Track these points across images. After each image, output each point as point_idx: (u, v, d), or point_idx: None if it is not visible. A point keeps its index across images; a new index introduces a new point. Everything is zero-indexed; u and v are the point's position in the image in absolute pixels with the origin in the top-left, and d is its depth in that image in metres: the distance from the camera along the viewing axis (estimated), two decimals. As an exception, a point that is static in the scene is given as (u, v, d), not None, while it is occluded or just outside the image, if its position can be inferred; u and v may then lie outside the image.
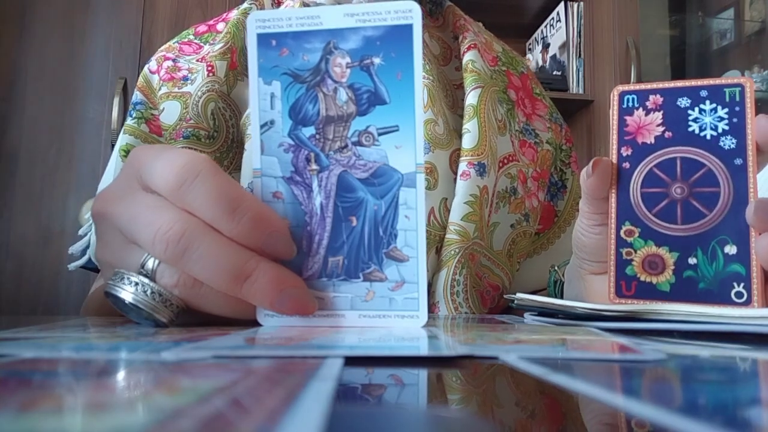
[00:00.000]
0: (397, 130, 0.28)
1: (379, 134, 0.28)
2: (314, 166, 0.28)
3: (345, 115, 0.28)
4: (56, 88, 1.43)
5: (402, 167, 0.28)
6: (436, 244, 0.50)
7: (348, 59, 0.28)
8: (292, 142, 0.28)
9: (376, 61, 0.28)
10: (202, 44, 0.57)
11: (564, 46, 1.67)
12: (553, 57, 1.73)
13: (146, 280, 0.26)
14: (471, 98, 0.53)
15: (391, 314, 0.28)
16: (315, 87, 0.28)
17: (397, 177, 0.28)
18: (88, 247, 0.55)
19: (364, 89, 0.28)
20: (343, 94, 0.28)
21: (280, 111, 0.28)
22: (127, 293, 0.26)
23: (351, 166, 0.28)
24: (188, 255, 0.25)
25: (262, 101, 0.28)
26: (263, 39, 0.28)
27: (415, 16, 0.27)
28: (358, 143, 0.28)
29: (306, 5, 0.55)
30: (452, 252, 0.49)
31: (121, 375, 0.15)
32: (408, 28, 0.27)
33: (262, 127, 0.28)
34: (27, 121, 1.41)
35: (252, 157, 0.29)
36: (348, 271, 0.28)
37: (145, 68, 0.56)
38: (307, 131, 0.28)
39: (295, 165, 0.28)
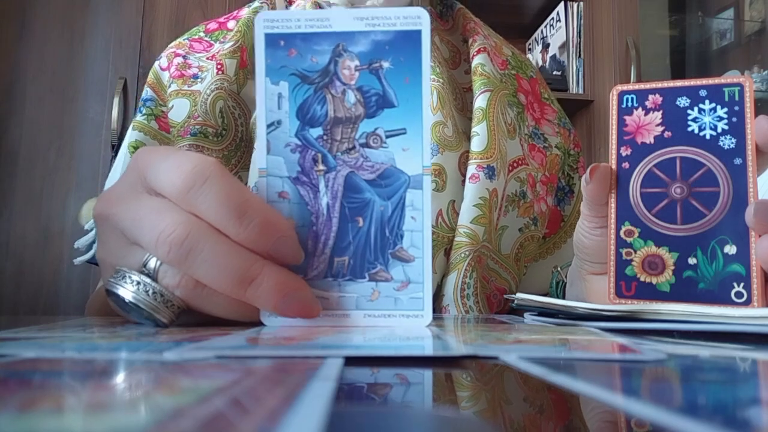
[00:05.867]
0: (404, 133, 0.28)
1: (387, 136, 0.28)
2: (321, 167, 0.28)
3: (353, 116, 0.28)
4: (56, 88, 1.43)
5: (409, 169, 0.28)
6: (444, 246, 0.49)
7: (357, 62, 0.28)
8: (299, 143, 0.28)
9: (385, 64, 0.28)
10: (212, 42, 0.57)
11: (564, 46, 1.67)
12: (553, 57, 1.73)
13: (148, 280, 0.26)
14: (480, 101, 0.53)
15: (396, 314, 0.28)
16: (323, 88, 0.28)
17: (403, 179, 0.28)
18: (94, 241, 0.55)
19: (372, 92, 0.28)
20: (351, 96, 0.28)
21: (287, 111, 0.28)
22: (127, 292, 0.26)
23: (358, 168, 0.28)
24: (192, 258, 0.25)
25: (269, 101, 0.28)
26: (271, 39, 0.28)
27: (423, 22, 0.28)
28: (366, 145, 0.28)
29: (318, 5, 0.55)
30: (462, 255, 0.48)
31: (122, 375, 0.15)
32: (417, 34, 0.28)
33: (268, 126, 0.28)
34: (27, 121, 1.41)
35: (258, 156, 0.29)
36: (353, 271, 0.28)
37: (155, 64, 0.56)
38: (315, 132, 0.28)
39: (301, 165, 0.28)
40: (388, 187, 0.28)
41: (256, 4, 0.59)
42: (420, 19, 0.28)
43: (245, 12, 0.58)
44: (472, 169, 0.50)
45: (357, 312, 0.28)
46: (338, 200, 0.28)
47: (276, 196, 0.28)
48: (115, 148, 1.40)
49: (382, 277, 0.28)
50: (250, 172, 0.51)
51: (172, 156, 0.27)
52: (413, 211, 0.28)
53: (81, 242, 0.55)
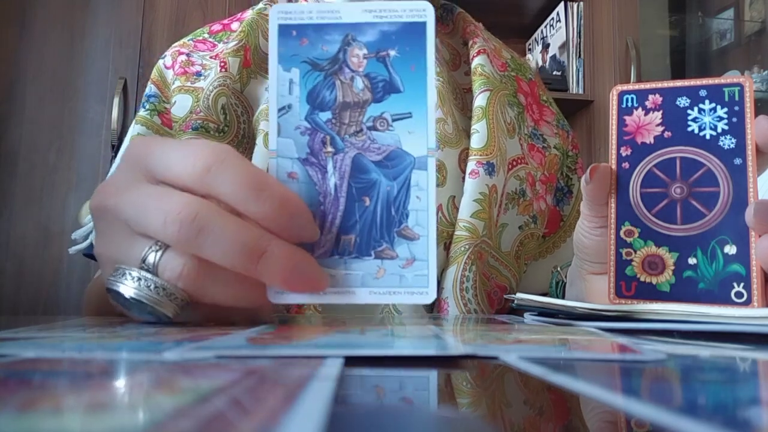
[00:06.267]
0: (410, 117, 0.29)
1: (393, 120, 0.29)
2: (329, 149, 0.29)
3: (361, 101, 0.29)
4: (56, 88, 1.43)
5: (414, 151, 0.29)
6: (444, 240, 0.50)
7: (365, 51, 0.30)
8: (308, 126, 0.29)
9: (392, 53, 0.29)
10: (216, 42, 0.58)
11: (564, 46, 1.67)
12: (553, 57, 1.72)
13: (149, 275, 0.26)
14: (480, 100, 0.54)
15: (401, 291, 0.28)
16: (333, 75, 0.30)
17: (409, 160, 0.29)
18: (91, 231, 0.55)
19: (379, 78, 0.29)
20: (359, 82, 0.29)
21: (298, 96, 0.29)
22: (129, 289, 0.26)
23: (365, 149, 0.29)
24: (203, 235, 0.25)
25: (281, 87, 0.29)
26: (284, 29, 0.30)
27: (428, 14, 0.29)
28: (373, 128, 0.29)
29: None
30: (462, 248, 0.49)
31: (122, 375, 0.15)
32: (422, 26, 0.29)
33: (279, 110, 0.29)
34: (27, 121, 1.41)
35: (269, 138, 0.30)
36: (359, 249, 0.29)
37: (160, 63, 0.57)
38: (324, 116, 0.29)
39: (311, 147, 0.29)
40: (395, 168, 0.29)
41: (260, 5, 0.59)
42: (425, 12, 0.29)
43: (249, 14, 0.59)
44: (471, 165, 0.51)
45: (362, 289, 0.28)
46: (345, 180, 0.29)
47: (286, 177, 0.29)
48: (115, 148, 1.40)
49: (387, 255, 0.28)
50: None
51: (183, 144, 0.27)
52: (418, 191, 0.29)
53: (78, 233, 0.56)
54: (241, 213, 0.26)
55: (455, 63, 0.60)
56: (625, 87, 0.36)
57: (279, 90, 0.29)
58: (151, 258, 0.26)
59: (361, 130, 0.29)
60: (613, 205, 0.35)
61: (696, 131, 0.34)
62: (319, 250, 0.29)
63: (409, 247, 0.28)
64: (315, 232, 0.28)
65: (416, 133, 0.29)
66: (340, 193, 0.29)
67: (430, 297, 0.28)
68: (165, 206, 0.26)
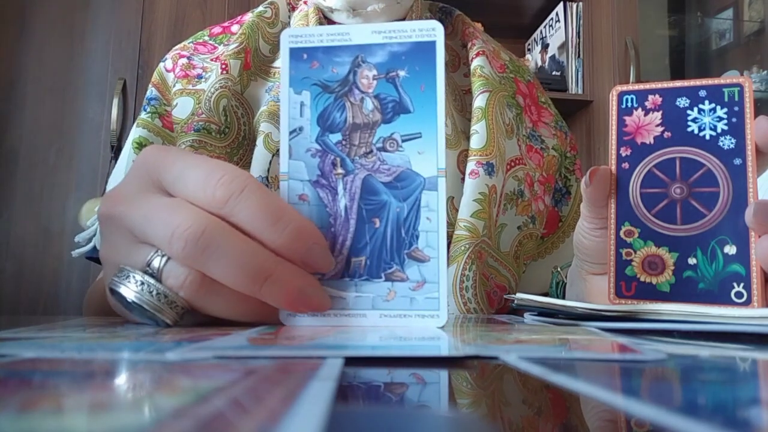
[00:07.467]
0: (419, 137, 0.29)
1: (403, 140, 0.29)
2: (340, 170, 0.29)
3: (371, 122, 0.30)
4: (56, 88, 1.43)
5: (424, 171, 0.29)
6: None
7: (375, 72, 0.30)
8: (319, 148, 0.30)
9: (401, 73, 0.29)
10: (216, 45, 0.58)
11: (563, 47, 1.67)
12: (553, 57, 1.73)
13: (152, 281, 0.26)
14: (479, 101, 0.54)
15: (412, 314, 0.28)
16: (343, 97, 0.30)
17: (419, 181, 0.29)
18: (94, 235, 0.55)
19: (389, 99, 0.29)
20: (369, 104, 0.30)
21: (308, 118, 0.30)
22: (130, 292, 0.26)
23: (375, 171, 0.29)
24: (207, 254, 0.25)
25: (292, 109, 0.30)
26: (295, 53, 0.30)
27: (437, 33, 0.29)
28: (383, 149, 0.29)
29: (320, 11, 0.57)
30: (462, 248, 0.49)
31: (122, 375, 0.15)
32: (431, 45, 0.29)
33: (291, 133, 0.30)
34: (27, 121, 1.41)
35: (280, 161, 0.30)
36: (370, 272, 0.28)
37: (161, 66, 0.57)
38: (334, 137, 0.30)
39: (321, 169, 0.29)
40: (404, 189, 0.29)
41: (260, 8, 0.60)
42: (434, 31, 0.29)
43: (249, 16, 0.59)
44: (471, 165, 0.51)
45: (373, 312, 0.28)
46: (356, 202, 0.29)
47: (297, 199, 0.29)
48: (115, 149, 1.40)
49: (398, 277, 0.28)
50: (252, 169, 0.51)
51: (201, 163, 0.27)
52: (428, 212, 0.29)
53: (81, 236, 0.56)
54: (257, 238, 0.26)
55: (454, 64, 0.61)
56: (625, 87, 0.36)
57: (290, 113, 0.29)
58: (156, 263, 0.26)
59: (371, 151, 0.29)
60: (612, 206, 0.35)
61: (696, 131, 0.34)
62: (330, 272, 0.28)
63: (419, 269, 0.28)
64: (331, 262, 0.28)
65: (426, 153, 0.29)
66: (350, 214, 0.29)
67: (441, 320, 0.28)
68: (173, 220, 0.25)
